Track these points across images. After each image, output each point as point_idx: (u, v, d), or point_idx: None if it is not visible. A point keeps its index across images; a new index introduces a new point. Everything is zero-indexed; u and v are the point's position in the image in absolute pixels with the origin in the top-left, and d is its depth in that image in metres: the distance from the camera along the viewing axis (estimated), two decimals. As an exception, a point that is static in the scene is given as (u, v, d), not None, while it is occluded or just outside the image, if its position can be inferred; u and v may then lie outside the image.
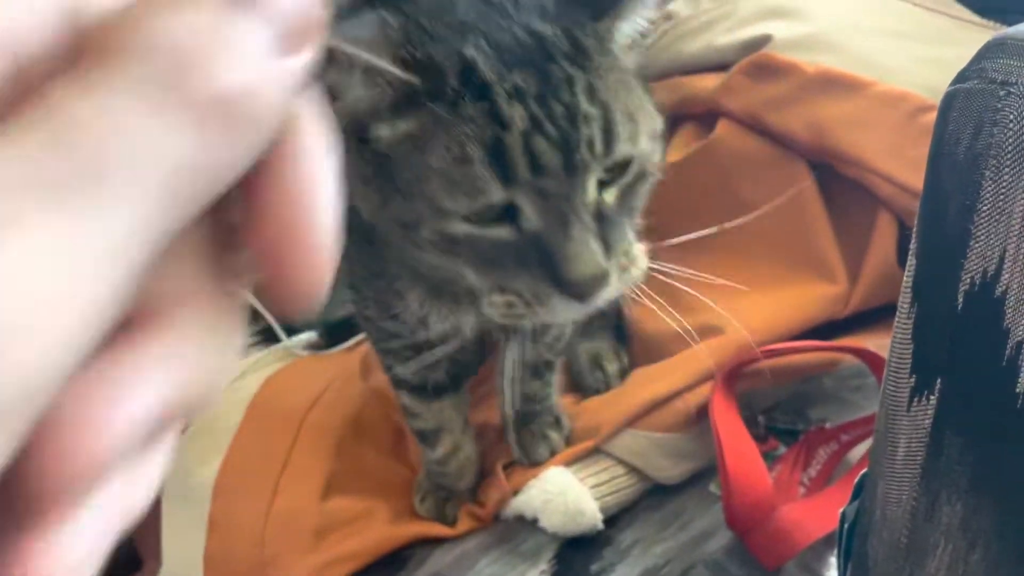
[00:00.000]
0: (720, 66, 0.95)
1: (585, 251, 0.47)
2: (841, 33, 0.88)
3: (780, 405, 0.84)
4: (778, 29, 0.90)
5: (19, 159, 0.14)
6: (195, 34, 0.15)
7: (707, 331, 0.83)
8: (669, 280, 0.90)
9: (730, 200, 0.90)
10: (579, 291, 0.48)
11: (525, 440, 0.80)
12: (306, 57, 0.17)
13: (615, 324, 0.91)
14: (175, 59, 0.15)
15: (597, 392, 0.85)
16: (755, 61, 0.88)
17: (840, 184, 0.85)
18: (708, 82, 0.93)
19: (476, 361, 0.84)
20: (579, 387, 0.87)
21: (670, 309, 0.71)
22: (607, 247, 0.48)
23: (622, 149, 0.48)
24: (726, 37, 0.96)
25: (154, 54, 0.15)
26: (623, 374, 0.86)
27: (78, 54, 0.15)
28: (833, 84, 0.84)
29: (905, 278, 0.49)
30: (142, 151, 0.15)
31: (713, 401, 0.75)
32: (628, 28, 0.51)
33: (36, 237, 0.14)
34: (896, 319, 0.50)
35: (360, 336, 1.00)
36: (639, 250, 0.51)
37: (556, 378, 0.81)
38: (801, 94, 0.85)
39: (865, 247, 0.84)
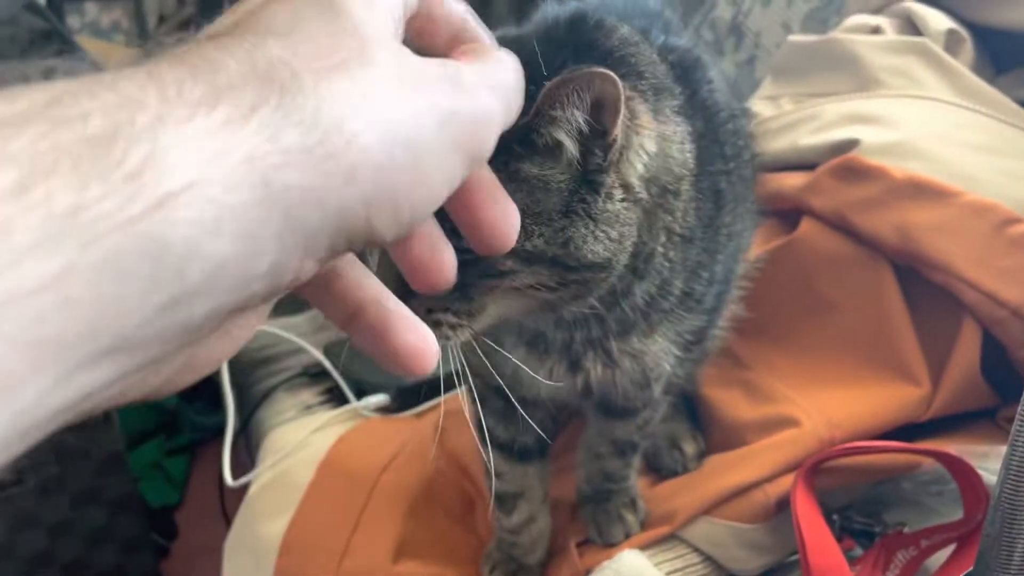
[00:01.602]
0: (803, 166, 0.98)
1: (383, 267, 0.50)
2: (928, 142, 0.91)
3: (854, 505, 0.84)
4: (866, 134, 0.93)
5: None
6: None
7: (784, 423, 0.83)
8: (748, 369, 0.91)
9: (810, 297, 0.91)
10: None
11: (600, 519, 0.80)
12: None
13: (691, 408, 0.91)
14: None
15: (674, 473, 0.85)
16: (843, 163, 0.90)
17: (924, 288, 0.86)
18: (793, 180, 0.95)
19: (556, 430, 0.84)
20: (655, 467, 0.87)
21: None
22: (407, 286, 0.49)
23: None
24: (811, 139, 0.99)
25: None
26: (700, 457, 0.86)
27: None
28: (921, 191, 0.86)
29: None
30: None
31: (796, 495, 0.75)
32: (550, 140, 0.50)
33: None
34: (1016, 421, 0.51)
35: (431, 402, 1.01)
36: (450, 322, 0.53)
37: (637, 461, 0.81)
38: (888, 198, 0.87)
39: (948, 352, 0.84)
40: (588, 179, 0.52)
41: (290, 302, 1.36)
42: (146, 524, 1.41)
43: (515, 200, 0.47)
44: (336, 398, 1.09)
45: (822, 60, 1.10)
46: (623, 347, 0.65)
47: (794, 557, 0.79)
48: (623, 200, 0.54)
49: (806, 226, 0.92)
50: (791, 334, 0.91)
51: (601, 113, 0.50)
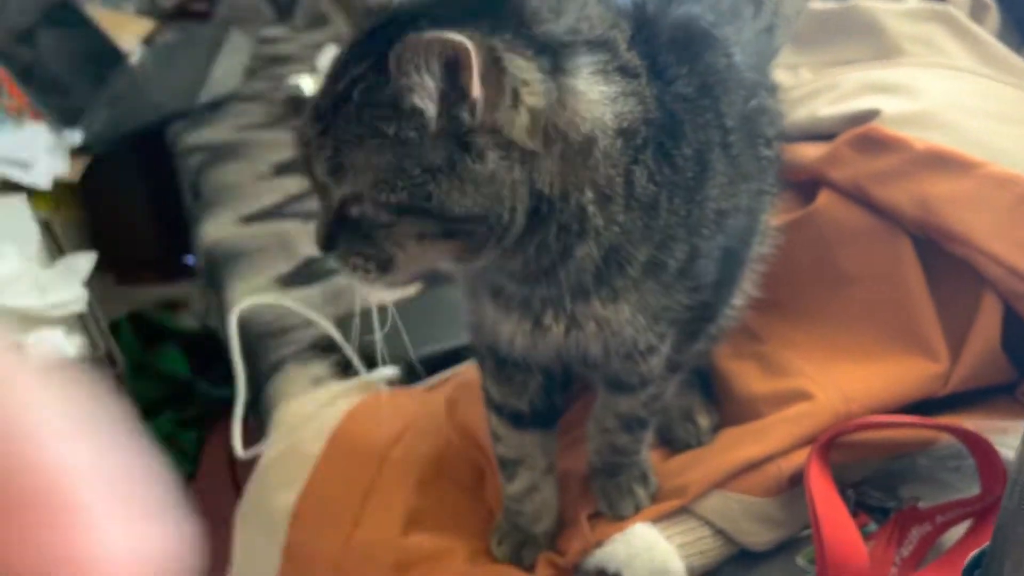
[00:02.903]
0: (821, 136, 0.96)
1: (317, 223, 0.61)
2: (950, 112, 0.89)
3: (869, 480, 0.83)
4: (886, 104, 0.90)
5: None
6: None
7: (799, 396, 0.82)
8: (762, 342, 0.90)
9: (827, 270, 0.90)
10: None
11: (611, 493, 0.79)
12: None
13: (705, 380, 0.90)
14: None
15: (687, 446, 0.84)
16: (863, 134, 0.89)
17: (944, 261, 0.84)
18: (810, 151, 0.94)
19: (553, 400, 0.83)
20: (668, 441, 0.86)
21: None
22: (331, 236, 0.60)
23: (327, 180, 0.58)
24: (830, 109, 0.97)
25: None
26: (714, 431, 0.85)
27: None
28: (943, 162, 0.84)
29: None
30: None
31: (810, 470, 0.74)
32: (407, 106, 0.54)
33: None
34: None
35: (442, 374, 1.00)
36: (363, 266, 0.60)
37: (648, 436, 0.80)
38: (909, 169, 0.85)
39: (968, 327, 0.82)
40: (458, 140, 0.55)
41: (301, 274, 1.35)
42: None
43: (379, 156, 0.56)
44: (346, 370, 1.09)
45: (843, 28, 1.08)
46: (584, 310, 0.65)
47: (806, 532, 0.78)
48: (503, 158, 0.56)
49: (824, 198, 0.91)
50: (807, 307, 0.90)
51: (454, 75, 0.53)
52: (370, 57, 0.56)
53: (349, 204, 0.59)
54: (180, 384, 1.81)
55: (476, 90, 0.53)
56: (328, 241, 0.61)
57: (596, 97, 0.58)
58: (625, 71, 0.59)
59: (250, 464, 1.04)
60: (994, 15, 1.04)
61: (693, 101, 0.62)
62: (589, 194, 0.59)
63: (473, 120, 0.54)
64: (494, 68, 0.54)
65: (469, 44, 0.51)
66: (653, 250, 0.63)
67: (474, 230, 0.57)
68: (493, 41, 0.54)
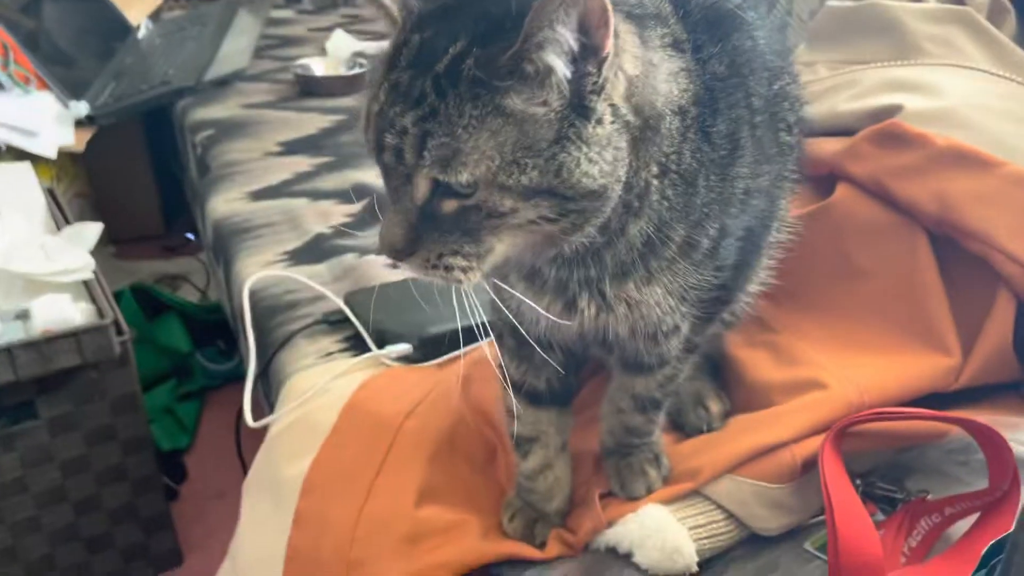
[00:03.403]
0: (840, 131, 0.97)
1: (389, 226, 0.56)
2: (972, 112, 0.89)
3: (877, 471, 0.84)
4: (908, 100, 0.91)
5: None
6: None
7: (811, 385, 0.83)
8: (774, 332, 0.91)
9: (843, 263, 0.90)
10: (381, 249, 0.57)
11: (623, 473, 0.80)
12: None
13: (715, 367, 0.91)
14: None
15: (699, 431, 0.85)
16: (884, 129, 0.89)
17: (959, 258, 0.85)
18: (830, 145, 0.94)
19: (571, 380, 0.84)
20: (679, 425, 0.87)
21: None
22: (416, 238, 0.55)
23: (432, 171, 0.53)
24: (850, 104, 0.98)
25: None
26: (725, 417, 0.86)
27: None
28: (963, 159, 0.85)
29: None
30: None
31: (823, 457, 0.75)
32: (541, 66, 0.52)
33: None
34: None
35: (454, 353, 1.01)
36: (460, 265, 0.56)
37: (661, 418, 0.81)
38: (929, 165, 0.86)
39: (981, 324, 0.83)
40: (579, 104, 0.53)
41: (311, 250, 1.35)
42: (158, 465, 1.42)
43: (503, 136, 0.52)
44: (355, 347, 1.09)
45: (861, 26, 1.09)
46: (619, 292, 0.65)
47: (816, 519, 0.79)
48: (613, 123, 0.55)
49: (842, 191, 0.91)
50: (821, 299, 0.90)
51: (589, 29, 0.50)
52: (464, 34, 0.53)
53: (440, 199, 0.54)
54: (181, 356, 1.80)
55: (609, 44, 0.51)
56: (410, 244, 0.56)
57: (665, 72, 0.58)
58: (678, 46, 0.60)
59: (254, 437, 1.05)
60: (1012, 19, 1.05)
61: (725, 79, 0.63)
62: (654, 169, 0.59)
63: (598, 80, 0.53)
64: (612, 27, 0.52)
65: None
66: (689, 228, 0.64)
67: (588, 207, 0.55)
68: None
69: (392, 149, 0.54)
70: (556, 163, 0.53)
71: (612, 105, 0.55)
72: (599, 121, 0.54)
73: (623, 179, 0.56)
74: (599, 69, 0.53)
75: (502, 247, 0.57)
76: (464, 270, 0.56)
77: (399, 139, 0.53)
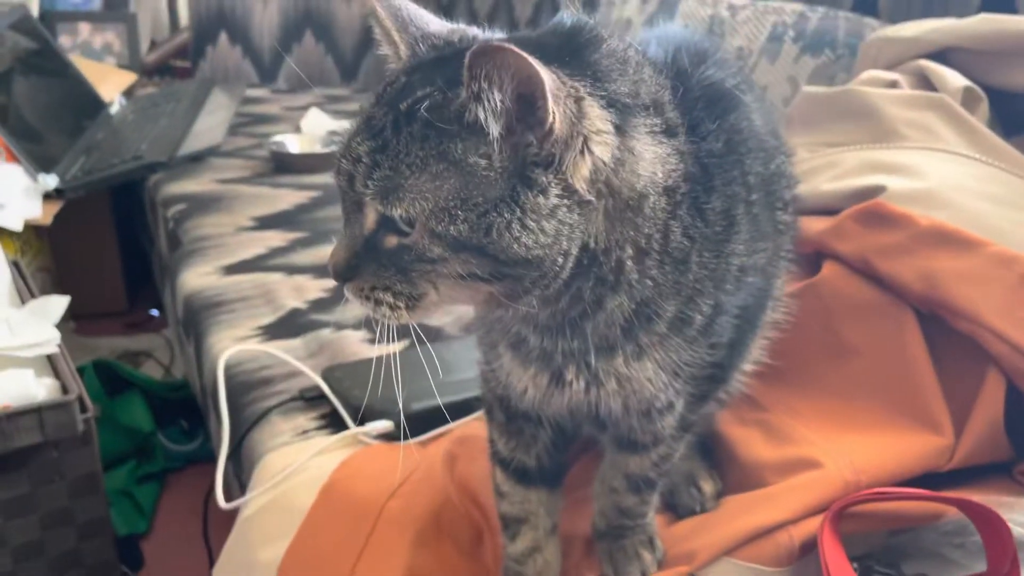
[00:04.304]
0: (823, 211, 0.98)
1: (337, 248, 0.59)
2: (953, 193, 0.91)
3: (873, 555, 0.82)
4: (890, 181, 0.93)
5: None
6: None
7: (806, 464, 0.81)
8: (765, 410, 0.89)
9: (832, 341, 0.90)
10: (328, 267, 0.60)
11: (616, 557, 0.77)
12: None
13: (706, 446, 0.89)
14: None
15: (692, 512, 0.82)
16: (869, 209, 0.90)
17: (947, 337, 0.85)
18: (815, 224, 0.95)
19: (562, 459, 0.81)
20: (671, 506, 0.84)
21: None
22: (357, 265, 0.58)
23: (374, 201, 0.55)
24: (832, 184, 0.99)
25: None
26: (717, 497, 0.83)
27: None
28: (947, 239, 0.86)
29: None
30: None
31: (823, 539, 0.73)
32: (476, 118, 0.53)
33: None
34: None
35: (435, 431, 0.98)
36: (388, 302, 0.58)
37: (655, 499, 0.78)
38: (914, 245, 0.86)
39: (971, 402, 0.83)
40: (522, 173, 0.53)
41: (286, 325, 1.32)
42: (115, 551, 1.35)
43: (442, 180, 0.53)
44: (332, 424, 1.05)
45: (839, 111, 1.12)
46: (607, 367, 0.64)
47: (815, 604, 0.76)
48: (561, 196, 0.54)
49: (828, 269, 0.92)
50: (811, 378, 0.90)
51: (529, 98, 0.51)
52: (438, 80, 0.55)
53: (384, 233, 0.56)
54: (141, 436, 1.74)
55: (551, 117, 0.52)
56: (349, 270, 0.58)
57: (650, 158, 0.58)
58: (670, 131, 0.60)
59: (219, 522, 1.00)
60: (985, 106, 1.08)
61: (722, 157, 0.63)
62: (629, 250, 0.59)
63: (540, 151, 0.53)
64: (575, 108, 0.54)
65: (542, 71, 0.50)
66: (681, 305, 0.63)
67: (524, 275, 0.55)
68: (577, 83, 0.54)
69: (346, 174, 0.57)
70: (486, 222, 0.54)
71: (566, 186, 0.54)
72: (542, 192, 0.54)
73: (571, 252, 0.56)
74: (541, 142, 0.53)
75: (436, 296, 0.58)
76: (392, 307, 0.58)
77: (353, 166, 0.56)
